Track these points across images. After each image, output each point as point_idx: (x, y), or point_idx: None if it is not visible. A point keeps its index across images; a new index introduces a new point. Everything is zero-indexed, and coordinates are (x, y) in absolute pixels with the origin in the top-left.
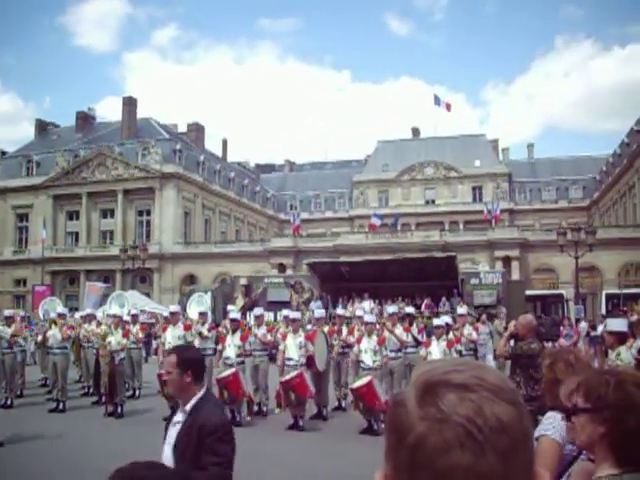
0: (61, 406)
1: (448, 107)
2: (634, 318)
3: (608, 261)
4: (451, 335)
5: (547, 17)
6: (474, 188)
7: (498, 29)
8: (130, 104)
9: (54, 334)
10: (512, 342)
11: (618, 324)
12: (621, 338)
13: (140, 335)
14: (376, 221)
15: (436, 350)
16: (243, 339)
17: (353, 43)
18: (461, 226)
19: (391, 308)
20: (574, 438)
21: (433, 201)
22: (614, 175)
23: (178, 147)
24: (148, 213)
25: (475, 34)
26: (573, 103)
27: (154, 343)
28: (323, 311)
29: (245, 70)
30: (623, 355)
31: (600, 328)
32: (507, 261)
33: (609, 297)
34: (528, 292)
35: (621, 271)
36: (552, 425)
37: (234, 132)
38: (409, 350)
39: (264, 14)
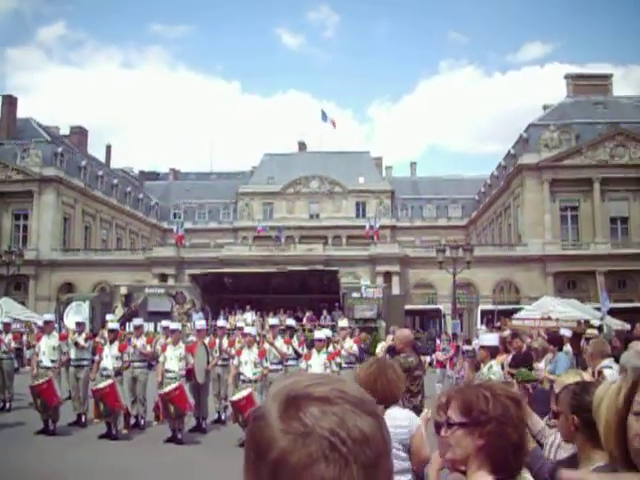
0: None
1: (334, 124)
2: (507, 333)
3: (484, 278)
4: (331, 348)
5: (434, 41)
6: (358, 204)
7: (387, 49)
8: (10, 103)
9: None
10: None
11: (490, 339)
12: (493, 352)
13: (12, 344)
14: (263, 228)
15: (317, 363)
16: (121, 350)
17: (244, 54)
18: (344, 241)
19: (273, 320)
20: (444, 452)
21: (317, 215)
22: (491, 196)
23: (59, 150)
24: (25, 217)
25: (364, 52)
26: (455, 125)
27: (27, 353)
28: (204, 322)
29: (134, 75)
30: (495, 369)
31: (475, 342)
32: (388, 276)
33: (484, 313)
34: (408, 307)
35: (496, 288)
36: None
37: (119, 138)
38: (290, 363)
39: (155, 19)
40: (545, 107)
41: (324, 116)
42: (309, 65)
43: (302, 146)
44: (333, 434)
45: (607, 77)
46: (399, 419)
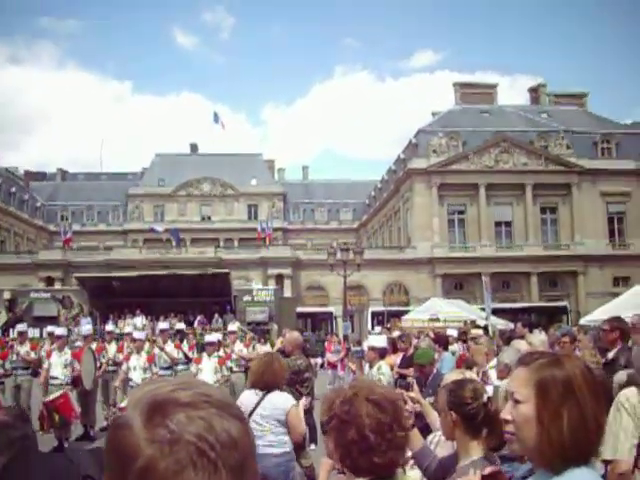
0: None
1: (223, 125)
2: (396, 334)
3: (374, 280)
4: (222, 352)
5: (328, 46)
6: (250, 206)
7: (281, 52)
8: None
9: None
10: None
11: (378, 340)
12: (382, 353)
13: None
14: (157, 229)
15: (207, 367)
16: (3, 357)
17: (137, 53)
18: (236, 243)
19: (162, 324)
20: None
21: (209, 217)
22: (381, 200)
23: None
24: None
25: (259, 55)
26: (348, 129)
27: None
28: (90, 327)
29: (21, 71)
30: (384, 370)
31: (365, 344)
32: (280, 279)
33: (375, 314)
34: (299, 309)
35: (386, 290)
36: None
37: (2, 136)
38: (180, 367)
39: (44, 12)
40: (434, 114)
41: (216, 118)
42: (203, 66)
43: (194, 148)
44: (201, 439)
45: (493, 86)
46: (277, 401)
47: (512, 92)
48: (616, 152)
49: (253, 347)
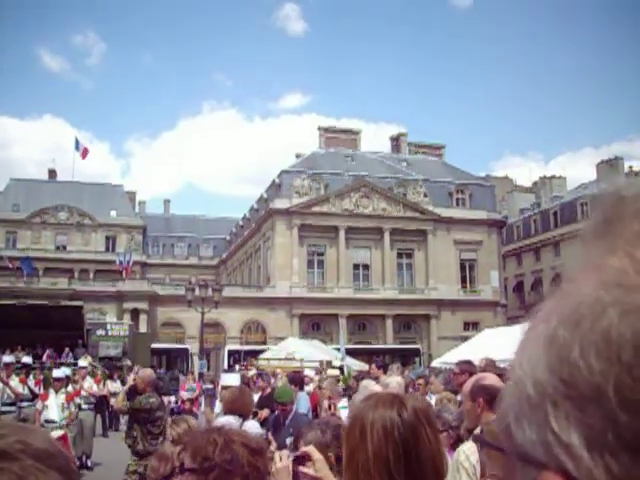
0: None
1: (84, 154)
2: (252, 373)
3: (232, 318)
4: (70, 388)
5: (198, 80)
6: (108, 238)
7: (150, 83)
8: None
9: None
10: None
11: (231, 379)
12: None
13: None
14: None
15: (54, 403)
16: None
17: None
18: (92, 275)
19: (7, 358)
20: None
21: (64, 247)
22: (243, 237)
23: None
24: None
25: (127, 84)
26: (213, 166)
27: None
28: None
29: None
30: None
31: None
32: (136, 313)
33: (231, 353)
34: (154, 345)
35: (244, 328)
36: None
37: None
38: (24, 404)
39: None
40: (298, 155)
41: (77, 144)
42: (69, 90)
43: (52, 174)
44: None
45: (357, 132)
46: (249, 428)
47: (375, 139)
48: (470, 202)
49: (104, 384)
